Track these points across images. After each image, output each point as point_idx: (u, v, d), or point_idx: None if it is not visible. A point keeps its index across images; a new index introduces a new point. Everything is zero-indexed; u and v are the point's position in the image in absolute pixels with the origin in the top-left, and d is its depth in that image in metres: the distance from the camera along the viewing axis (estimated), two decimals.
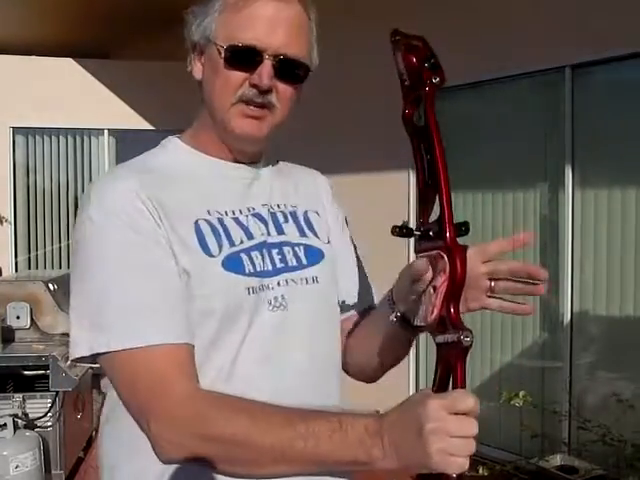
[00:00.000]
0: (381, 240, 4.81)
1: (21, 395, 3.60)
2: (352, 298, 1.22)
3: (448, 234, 0.84)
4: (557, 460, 3.75)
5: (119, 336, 0.96)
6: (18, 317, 3.79)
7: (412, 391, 4.80)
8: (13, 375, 3.66)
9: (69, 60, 6.70)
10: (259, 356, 1.05)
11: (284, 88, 1.06)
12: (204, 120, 1.12)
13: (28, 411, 3.60)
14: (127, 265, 0.98)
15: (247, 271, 1.06)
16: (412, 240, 0.94)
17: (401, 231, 0.90)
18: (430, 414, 0.81)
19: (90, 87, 6.64)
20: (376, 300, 1.24)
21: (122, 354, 0.96)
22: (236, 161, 1.13)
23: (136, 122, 6.71)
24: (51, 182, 6.86)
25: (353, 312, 1.23)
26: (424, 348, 4.74)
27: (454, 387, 0.82)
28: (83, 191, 6.89)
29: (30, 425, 3.58)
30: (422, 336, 4.11)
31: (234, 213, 1.10)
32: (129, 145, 6.93)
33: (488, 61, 4.19)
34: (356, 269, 1.26)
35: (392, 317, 1.06)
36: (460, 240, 0.85)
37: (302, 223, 1.18)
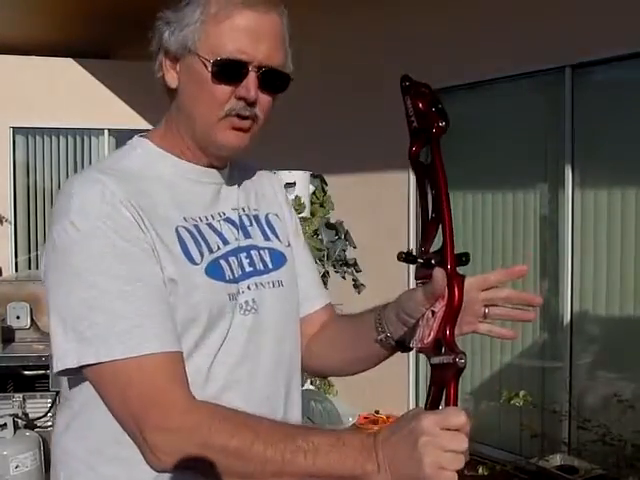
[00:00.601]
0: (381, 240, 4.84)
1: (21, 395, 3.60)
2: (311, 298, 1.28)
3: (449, 264, 0.91)
4: (557, 460, 3.75)
5: (110, 346, 0.95)
6: (18, 317, 3.78)
7: (412, 393, 4.80)
8: (13, 375, 3.66)
9: (69, 60, 6.70)
10: (234, 359, 1.08)
11: (265, 99, 1.07)
12: (176, 124, 1.12)
13: (28, 411, 3.60)
14: (114, 274, 0.96)
15: (227, 277, 1.08)
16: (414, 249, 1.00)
17: (407, 258, 0.96)
18: (425, 428, 0.84)
19: (90, 87, 6.64)
20: (325, 297, 1.31)
21: (113, 364, 0.95)
22: (207, 166, 1.13)
23: (136, 122, 6.71)
24: (51, 182, 6.86)
25: (313, 312, 1.28)
26: (424, 355, 4.73)
27: (447, 405, 0.87)
28: None
29: (30, 425, 3.58)
30: None
31: (207, 219, 1.11)
32: None
33: (488, 61, 4.19)
34: (313, 269, 1.32)
35: (381, 337, 1.13)
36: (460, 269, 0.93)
37: (265, 227, 1.21)
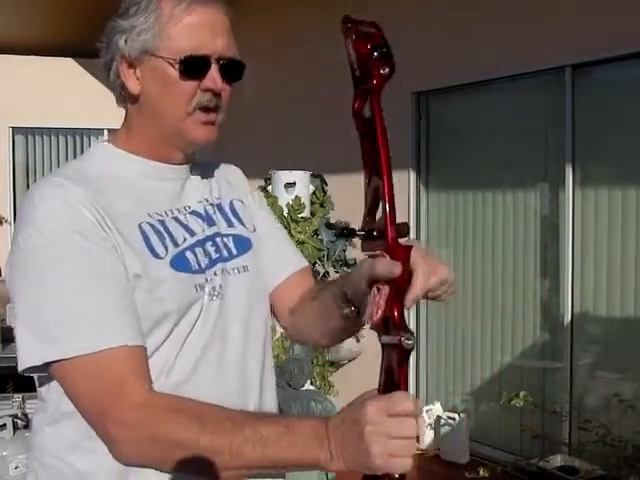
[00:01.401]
0: None
1: (21, 395, 3.60)
2: (276, 269, 1.28)
3: (390, 235, 0.83)
4: (557, 460, 3.75)
5: (74, 343, 0.97)
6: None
7: (412, 392, 4.80)
8: (12, 375, 3.65)
9: (69, 60, 6.70)
10: (201, 343, 1.09)
11: (226, 89, 1.11)
12: (139, 126, 1.14)
13: (28, 411, 3.60)
14: (77, 274, 0.99)
15: (193, 268, 1.11)
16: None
17: (343, 233, 0.87)
18: (369, 417, 0.82)
19: (90, 87, 6.63)
20: (294, 263, 1.32)
21: (77, 360, 0.97)
22: (172, 163, 1.16)
23: None
24: None
25: (282, 281, 1.28)
26: (424, 350, 4.73)
27: (396, 389, 0.83)
28: None
29: (30, 425, 3.58)
30: (422, 338, 4.13)
31: (173, 213, 1.14)
32: None
33: (488, 61, 4.19)
34: (279, 237, 1.34)
35: (346, 312, 1.09)
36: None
37: (229, 214, 1.23)
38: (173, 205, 1.14)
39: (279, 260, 1.29)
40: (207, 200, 1.20)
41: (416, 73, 4.62)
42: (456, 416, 4.31)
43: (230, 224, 1.22)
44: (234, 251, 1.19)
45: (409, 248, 0.85)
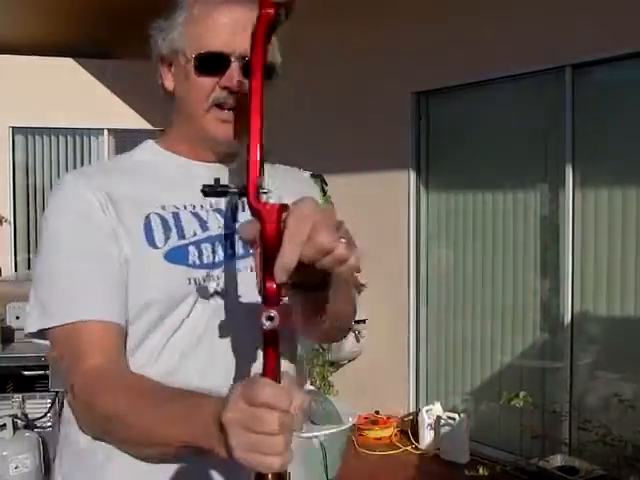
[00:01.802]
0: (381, 240, 4.82)
1: (20, 395, 3.60)
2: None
3: (249, 192, 0.74)
4: (557, 460, 3.75)
5: (58, 313, 1.04)
6: (18, 317, 3.78)
7: (412, 393, 4.80)
8: (12, 375, 3.65)
9: (69, 60, 6.69)
10: (192, 338, 1.09)
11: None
12: (177, 126, 1.18)
13: (28, 411, 3.60)
14: (71, 250, 1.06)
15: (191, 262, 1.10)
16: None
17: (213, 190, 0.79)
18: (230, 404, 0.73)
19: (90, 87, 6.63)
20: None
21: (59, 330, 1.04)
22: (208, 161, 1.17)
23: (136, 122, 6.71)
24: (50, 182, 6.85)
25: None
26: (424, 350, 4.73)
27: (263, 374, 0.73)
28: None
29: (30, 425, 3.58)
30: (422, 338, 4.13)
31: (194, 207, 1.14)
32: (129, 145, 6.91)
33: (488, 61, 4.19)
34: None
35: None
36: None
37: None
38: (196, 200, 1.14)
39: None
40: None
41: (416, 73, 4.63)
42: (456, 416, 4.31)
43: None
44: (251, 249, 1.17)
45: (281, 207, 0.73)
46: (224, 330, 1.10)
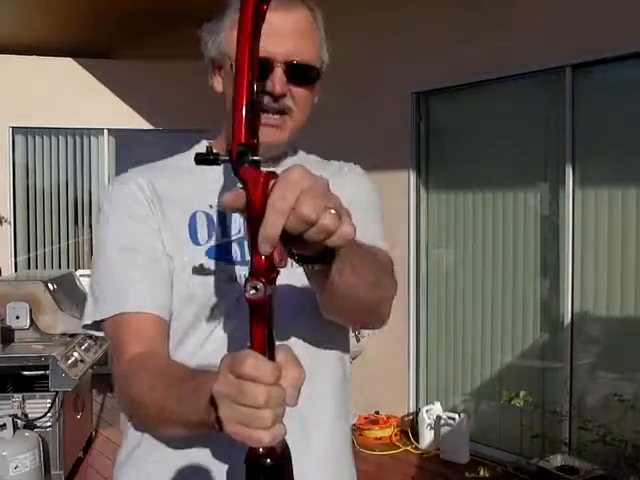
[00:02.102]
0: None
1: (20, 395, 3.60)
2: None
3: (233, 157, 0.71)
4: (558, 460, 3.75)
5: (106, 306, 1.09)
6: (18, 317, 3.78)
7: (412, 393, 4.80)
8: (13, 375, 3.66)
9: (69, 60, 6.68)
10: (229, 336, 1.10)
11: (298, 91, 1.12)
12: (226, 126, 1.19)
13: (28, 411, 3.60)
14: (119, 247, 1.11)
15: (235, 259, 1.12)
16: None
17: (204, 157, 0.76)
18: (220, 377, 0.71)
19: (90, 87, 6.63)
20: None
21: (108, 322, 1.09)
22: None
23: (136, 122, 6.70)
24: (51, 182, 6.85)
25: None
26: (424, 349, 4.73)
27: (250, 347, 0.71)
28: (83, 191, 6.89)
29: (30, 425, 3.58)
30: (422, 337, 4.11)
31: None
32: (129, 145, 6.93)
33: (488, 61, 4.19)
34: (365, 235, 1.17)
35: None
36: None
37: None
38: None
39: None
40: None
41: (416, 73, 4.62)
42: (456, 416, 4.31)
43: None
44: None
45: (268, 174, 0.69)
46: (277, 315, 1.07)
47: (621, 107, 3.73)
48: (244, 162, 0.70)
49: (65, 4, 6.79)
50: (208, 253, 1.12)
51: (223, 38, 1.13)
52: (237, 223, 1.15)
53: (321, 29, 1.16)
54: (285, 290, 1.08)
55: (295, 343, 1.10)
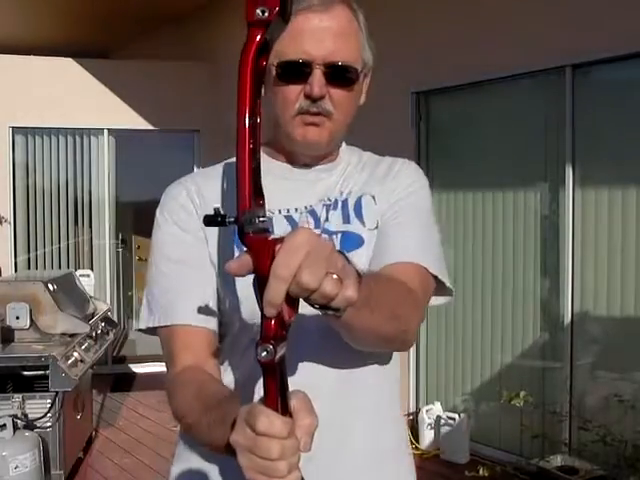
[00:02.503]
0: None
1: (20, 395, 3.60)
2: (383, 260, 1.13)
3: (239, 223, 0.71)
4: (558, 460, 3.75)
5: (158, 316, 1.13)
6: (17, 317, 3.78)
7: (412, 394, 4.80)
8: (12, 375, 3.66)
9: (69, 60, 6.68)
10: None
11: (337, 93, 1.11)
12: (273, 131, 1.19)
13: (28, 411, 3.60)
14: (167, 255, 1.15)
15: None
16: None
17: (213, 219, 0.76)
18: (237, 427, 0.76)
19: (90, 87, 6.62)
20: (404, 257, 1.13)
21: (161, 330, 1.14)
22: (303, 165, 1.19)
23: (136, 122, 6.70)
24: (51, 182, 6.84)
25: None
26: (424, 350, 4.73)
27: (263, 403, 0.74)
28: (83, 191, 6.89)
29: (30, 425, 3.58)
30: (422, 338, 4.13)
31: (288, 211, 1.16)
32: (129, 145, 6.93)
33: (488, 61, 4.19)
34: (407, 236, 1.17)
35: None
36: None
37: (350, 210, 1.18)
38: (292, 204, 1.16)
39: (384, 251, 1.14)
40: (329, 199, 1.17)
41: (416, 73, 4.62)
42: (456, 416, 4.31)
43: (347, 221, 1.16)
44: (338, 247, 1.10)
45: (275, 240, 0.70)
46: (299, 346, 1.06)
47: (621, 107, 3.73)
48: (248, 230, 0.71)
49: (65, 4, 6.80)
50: None
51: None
52: (282, 227, 1.13)
53: (362, 29, 1.15)
54: (310, 317, 1.02)
55: (321, 368, 1.10)
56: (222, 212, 0.76)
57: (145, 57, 7.45)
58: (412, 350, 4.73)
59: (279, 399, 0.74)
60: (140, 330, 1.18)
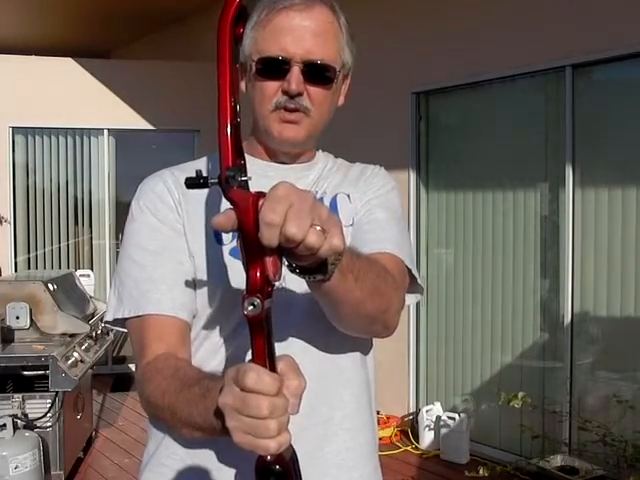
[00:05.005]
0: None
1: (20, 395, 3.60)
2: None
3: (222, 179, 0.74)
4: (558, 460, 3.75)
5: (129, 306, 1.11)
6: (18, 317, 3.78)
7: (412, 393, 4.80)
8: (13, 375, 3.65)
9: (69, 60, 6.68)
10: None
11: (315, 91, 1.12)
12: (251, 127, 1.20)
13: (28, 411, 3.60)
14: (142, 246, 1.13)
15: None
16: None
17: (195, 181, 0.78)
18: (225, 388, 0.75)
19: (90, 87, 6.62)
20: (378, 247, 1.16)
21: (131, 321, 1.12)
22: (282, 162, 1.21)
23: (136, 122, 6.70)
24: (51, 182, 6.84)
25: None
26: (424, 350, 4.73)
27: (252, 360, 0.74)
28: (83, 191, 6.89)
29: (30, 425, 3.58)
30: (422, 338, 4.13)
31: None
32: (129, 145, 6.93)
33: (488, 61, 4.19)
34: (379, 229, 1.20)
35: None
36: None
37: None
38: None
39: (361, 245, 1.14)
40: None
41: (416, 73, 4.63)
42: (456, 416, 4.31)
43: None
44: None
45: (257, 194, 0.73)
46: (284, 325, 1.07)
47: (621, 107, 3.73)
48: (232, 184, 0.74)
49: (65, 4, 6.80)
50: (232, 252, 1.12)
51: (248, 40, 1.13)
52: None
53: (343, 30, 1.16)
54: (297, 296, 1.10)
55: (306, 347, 1.12)
56: (204, 174, 0.78)
57: (145, 57, 7.45)
58: (412, 350, 4.73)
59: (267, 358, 0.73)
60: (107, 323, 1.15)
